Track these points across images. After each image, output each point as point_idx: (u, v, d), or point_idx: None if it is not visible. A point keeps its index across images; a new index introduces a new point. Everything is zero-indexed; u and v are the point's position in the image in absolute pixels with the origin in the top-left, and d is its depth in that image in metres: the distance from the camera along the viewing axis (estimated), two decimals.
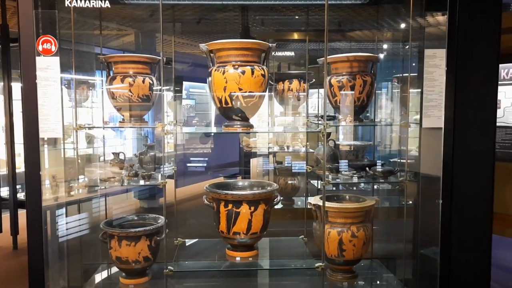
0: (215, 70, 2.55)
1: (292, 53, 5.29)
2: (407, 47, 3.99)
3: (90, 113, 3.37)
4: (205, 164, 6.37)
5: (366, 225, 2.66)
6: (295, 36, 5.07)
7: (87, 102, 3.31)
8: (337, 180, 2.65)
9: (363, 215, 2.65)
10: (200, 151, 6.22)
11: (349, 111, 2.66)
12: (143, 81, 2.65)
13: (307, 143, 4.54)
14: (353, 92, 2.65)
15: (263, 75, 2.56)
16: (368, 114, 3.99)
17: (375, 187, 3.48)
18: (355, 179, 2.62)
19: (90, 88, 3.33)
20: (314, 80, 4.43)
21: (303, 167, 4.35)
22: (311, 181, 4.85)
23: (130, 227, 2.77)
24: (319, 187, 3.92)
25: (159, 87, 2.69)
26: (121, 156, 2.91)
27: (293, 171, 4.65)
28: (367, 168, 2.69)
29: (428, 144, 2.49)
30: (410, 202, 3.42)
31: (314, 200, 2.71)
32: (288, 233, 3.45)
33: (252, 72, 2.51)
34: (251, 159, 5.58)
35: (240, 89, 2.50)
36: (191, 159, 6.29)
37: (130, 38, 5.37)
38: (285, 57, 5.71)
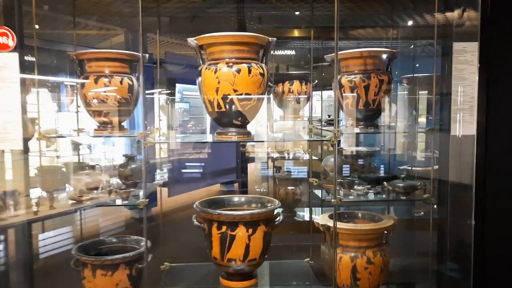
0: (206, 68, 2.17)
1: (293, 52, 4.91)
2: (420, 44, 3.60)
3: (75, 118, 3.06)
4: (200, 170, 5.99)
5: (383, 249, 2.27)
6: (296, 33, 4.69)
7: (71, 106, 3.01)
8: (350, 197, 2.26)
9: (380, 237, 2.27)
10: (195, 156, 5.84)
11: (362, 116, 2.28)
12: (121, 82, 2.26)
13: (310, 149, 4.16)
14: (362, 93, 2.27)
15: (262, 74, 2.18)
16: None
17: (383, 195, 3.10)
18: (371, 196, 2.24)
19: (75, 91, 3.07)
20: (316, 81, 4.08)
21: (305, 173, 3.95)
22: (314, 191, 4.52)
23: (108, 252, 2.38)
24: (323, 197, 3.55)
25: (143, 90, 2.30)
26: (98, 169, 2.52)
27: (292, 176, 4.28)
28: (384, 183, 2.30)
29: (457, 153, 2.11)
30: (422, 213, 3.05)
31: (322, 219, 2.32)
32: (290, 252, 3.06)
33: (249, 71, 2.13)
34: (248, 164, 5.22)
35: (235, 91, 2.12)
36: (186, 164, 5.91)
37: (120, 39, 4.99)
38: (283, 57, 5.31)
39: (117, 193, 2.21)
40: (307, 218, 4.24)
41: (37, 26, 2.40)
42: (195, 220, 2.31)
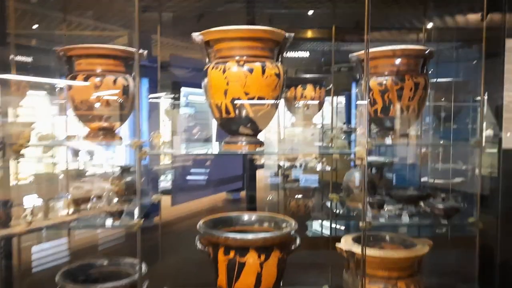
0: (213, 67, 1.87)
1: (306, 54, 4.60)
2: (444, 47, 3.27)
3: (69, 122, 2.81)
4: (205, 177, 5.69)
5: (417, 280, 1.94)
6: (308, 34, 4.39)
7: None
8: (380, 219, 1.93)
9: (414, 266, 1.94)
10: (200, 162, 5.54)
11: (393, 124, 1.96)
12: (115, 82, 1.96)
13: (324, 160, 3.83)
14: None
15: (278, 75, 1.88)
16: None
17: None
18: (405, 219, 1.91)
19: None
20: (331, 85, 3.78)
21: (315, 181, 3.62)
22: (327, 203, 4.20)
23: (98, 278, 2.07)
24: (337, 211, 3.24)
25: (145, 92, 2.00)
26: (90, 180, 2.22)
27: (303, 186, 3.96)
28: (421, 203, 1.97)
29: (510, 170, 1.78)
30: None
31: (346, 243, 2.00)
32: (304, 272, 2.73)
33: (263, 71, 1.83)
34: (257, 171, 4.92)
35: (246, 94, 1.82)
36: (191, 171, 5.60)
37: (124, 40, 4.71)
38: (291, 60, 5.00)
39: (108, 212, 1.90)
40: (321, 232, 3.93)
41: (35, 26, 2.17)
42: (198, 243, 2.00)
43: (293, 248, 1.97)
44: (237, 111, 1.86)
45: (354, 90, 4.71)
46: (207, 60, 1.95)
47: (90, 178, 2.54)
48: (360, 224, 1.75)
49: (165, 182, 5.25)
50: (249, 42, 1.86)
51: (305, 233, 3.96)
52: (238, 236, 1.89)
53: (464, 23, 3.74)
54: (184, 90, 5.38)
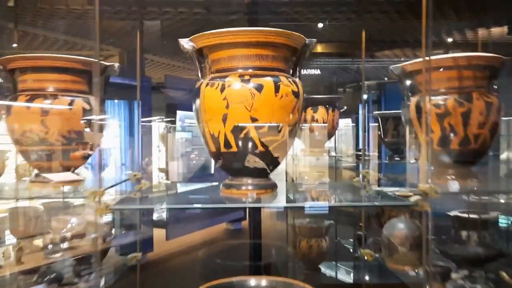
0: (208, 84, 1.36)
1: (317, 72, 4.11)
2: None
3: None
4: (204, 206, 5.13)
5: None
6: (318, 49, 3.91)
7: None
8: None
9: None
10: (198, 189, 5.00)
11: (456, 158, 1.42)
12: (71, 104, 1.42)
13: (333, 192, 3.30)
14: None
15: (296, 94, 1.37)
16: None
17: None
18: None
19: None
20: (345, 107, 3.34)
21: (325, 207, 3.12)
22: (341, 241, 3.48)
23: None
24: (356, 252, 2.70)
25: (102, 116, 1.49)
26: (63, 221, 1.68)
27: (316, 224, 3.42)
28: (502, 274, 1.41)
29: None
30: None
31: None
32: None
33: (276, 88, 1.32)
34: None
35: (253, 119, 1.29)
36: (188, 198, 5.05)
37: (115, 60, 4.24)
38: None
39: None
40: (338, 277, 3.37)
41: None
42: None
43: None
44: (240, 144, 1.34)
45: (361, 112, 4.20)
46: (199, 75, 1.43)
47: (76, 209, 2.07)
48: None
49: (160, 212, 4.72)
50: (257, 49, 1.36)
51: (318, 278, 3.38)
52: None
53: None
54: (180, 113, 4.91)
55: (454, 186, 1.38)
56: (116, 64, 1.48)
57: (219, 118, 1.33)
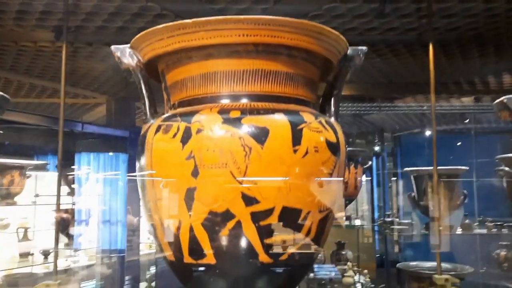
0: (160, 129, 0.67)
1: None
2: None
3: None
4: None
5: None
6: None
7: (19, 196, 2.39)
8: None
9: None
10: None
11: None
12: None
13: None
14: None
15: (334, 147, 0.67)
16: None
17: None
18: None
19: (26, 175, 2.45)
20: (370, 162, 2.77)
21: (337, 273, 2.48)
22: None
23: None
24: None
25: None
26: None
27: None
28: None
29: None
30: None
31: None
32: None
33: (296, 136, 0.63)
34: None
35: (248, 200, 0.60)
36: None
37: (103, 109, 3.57)
38: None
39: None
40: None
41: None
42: None
43: None
44: (224, 249, 0.64)
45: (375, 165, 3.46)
46: (147, 111, 0.75)
47: None
48: None
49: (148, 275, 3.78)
50: (257, 61, 0.69)
51: None
52: None
53: None
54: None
55: None
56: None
57: (179, 195, 0.64)
